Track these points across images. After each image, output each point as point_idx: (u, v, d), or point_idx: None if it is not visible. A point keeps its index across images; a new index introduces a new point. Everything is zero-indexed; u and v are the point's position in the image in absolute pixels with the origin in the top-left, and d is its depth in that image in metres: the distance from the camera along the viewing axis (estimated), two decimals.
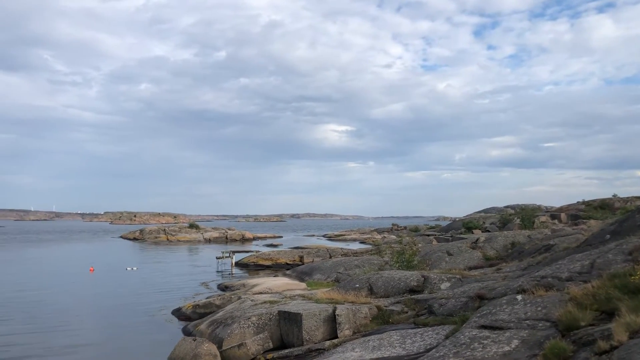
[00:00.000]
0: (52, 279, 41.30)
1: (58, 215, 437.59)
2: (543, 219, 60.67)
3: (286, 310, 17.67)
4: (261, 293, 25.97)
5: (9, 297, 32.08)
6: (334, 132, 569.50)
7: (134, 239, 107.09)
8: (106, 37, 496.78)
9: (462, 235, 54.46)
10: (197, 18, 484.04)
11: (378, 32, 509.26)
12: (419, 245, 37.45)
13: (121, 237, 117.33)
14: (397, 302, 18.44)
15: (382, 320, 16.76)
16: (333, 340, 15.67)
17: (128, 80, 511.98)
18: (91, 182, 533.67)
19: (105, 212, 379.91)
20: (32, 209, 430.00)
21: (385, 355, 12.55)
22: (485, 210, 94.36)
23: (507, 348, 9.79)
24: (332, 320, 16.49)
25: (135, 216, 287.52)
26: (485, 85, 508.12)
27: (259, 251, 56.48)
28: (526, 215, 61.29)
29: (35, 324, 24.33)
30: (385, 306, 17.96)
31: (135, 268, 48.47)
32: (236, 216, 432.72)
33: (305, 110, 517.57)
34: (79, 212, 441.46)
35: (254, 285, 30.33)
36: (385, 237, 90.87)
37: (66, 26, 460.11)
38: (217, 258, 51.06)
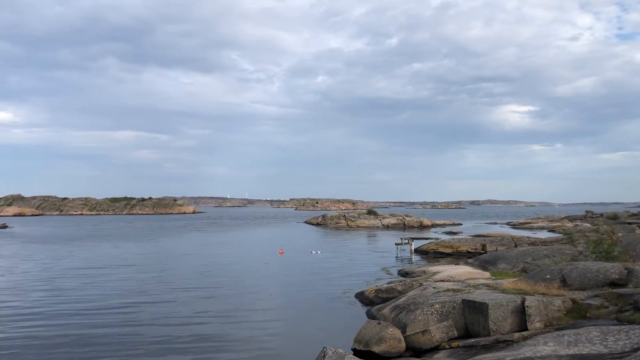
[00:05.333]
0: (248, 260, 45.22)
1: (250, 202, 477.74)
2: None
3: (471, 299, 17.21)
4: (443, 281, 25.62)
5: (213, 275, 35.89)
6: (514, 113, 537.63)
7: (317, 224, 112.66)
8: (284, 35, 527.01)
9: None
10: (368, 7, 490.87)
11: (562, 3, 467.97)
12: (619, 234, 33.82)
13: (305, 222, 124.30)
14: (595, 296, 16.91)
15: (578, 315, 15.54)
16: (523, 333, 14.91)
17: (306, 73, 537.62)
18: (277, 171, 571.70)
19: (290, 199, 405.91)
20: (229, 197, 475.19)
21: (584, 352, 11.59)
22: None
23: None
24: (521, 312, 15.68)
25: (317, 203, 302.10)
26: None
27: (438, 238, 55.75)
28: None
29: (232, 301, 26.85)
30: (581, 299, 16.59)
31: (319, 252, 51.02)
32: (413, 203, 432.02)
33: (481, 91, 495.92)
34: (268, 199, 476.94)
35: (435, 273, 30.03)
36: (577, 225, 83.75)
37: (249, 27, 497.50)
38: (396, 244, 51.52)
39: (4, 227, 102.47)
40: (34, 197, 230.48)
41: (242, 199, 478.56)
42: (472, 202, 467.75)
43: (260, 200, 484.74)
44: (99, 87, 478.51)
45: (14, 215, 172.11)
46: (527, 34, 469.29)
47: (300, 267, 39.96)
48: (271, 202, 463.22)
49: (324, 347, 14.44)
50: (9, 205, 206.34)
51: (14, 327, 20.76)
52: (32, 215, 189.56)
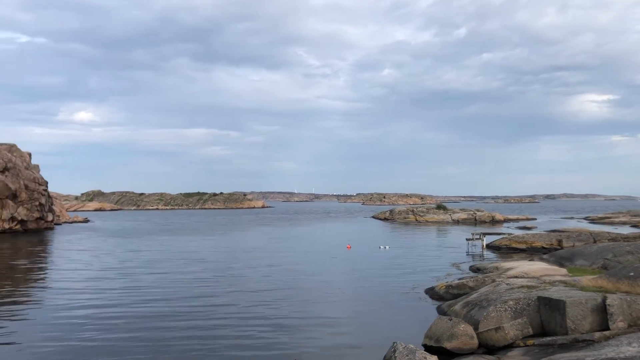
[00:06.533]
0: (316, 255, 45.62)
1: (317, 196, 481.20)
2: None
3: (546, 296, 16.62)
4: (516, 277, 24.87)
5: (284, 269, 36.49)
6: (592, 103, 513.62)
7: (385, 219, 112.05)
8: (350, 28, 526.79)
9: None
10: None
11: None
12: None
13: (372, 217, 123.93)
14: None
15: None
16: (604, 332, 14.26)
17: (372, 67, 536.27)
18: (344, 166, 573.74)
19: (357, 194, 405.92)
20: (296, 192, 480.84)
21: None
22: None
23: None
24: (602, 311, 14.99)
25: (384, 197, 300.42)
26: None
27: (511, 234, 54.10)
28: None
29: (303, 295, 27.18)
30: None
31: (387, 247, 50.74)
32: (484, 197, 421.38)
33: (556, 81, 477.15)
34: (335, 193, 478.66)
35: (508, 269, 29.19)
36: None
37: (315, 22, 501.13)
38: (467, 240, 50.51)
39: (86, 221, 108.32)
40: (113, 193, 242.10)
41: (309, 194, 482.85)
42: (547, 196, 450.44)
43: (327, 195, 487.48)
44: (172, 86, 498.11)
45: (95, 210, 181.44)
46: (605, 19, 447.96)
47: (368, 262, 39.89)
48: (338, 197, 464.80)
49: (394, 343, 14.39)
50: (91, 200, 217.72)
51: (94, 320, 21.94)
52: (111, 210, 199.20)
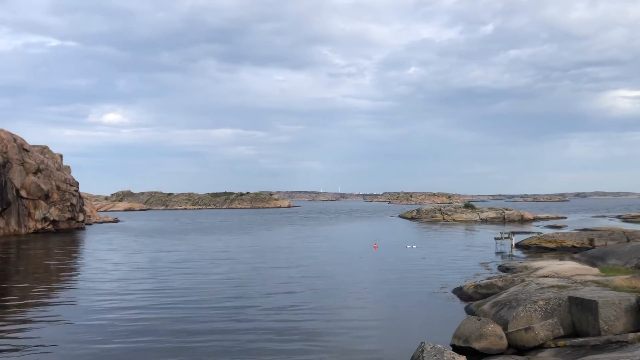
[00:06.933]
0: (342, 254, 45.57)
1: (343, 196, 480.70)
2: None
3: (578, 296, 16.32)
4: (546, 277, 24.43)
5: (310, 268, 36.55)
6: (624, 99, 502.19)
7: (412, 218, 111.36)
8: (375, 27, 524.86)
9: None
10: None
11: None
12: None
13: (399, 216, 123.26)
14: None
15: None
16: (638, 333, 13.93)
17: (397, 65, 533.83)
18: (370, 165, 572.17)
19: (383, 193, 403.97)
20: (322, 191, 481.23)
21: None
22: None
23: None
24: (636, 311, 14.66)
25: (411, 196, 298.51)
26: None
27: (540, 233, 53.21)
28: None
29: (329, 295, 27.17)
30: None
31: (415, 246, 50.40)
32: (512, 196, 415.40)
33: (586, 77, 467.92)
34: (361, 193, 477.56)
35: (537, 268, 28.69)
36: None
37: (340, 22, 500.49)
38: (495, 239, 49.86)
39: (116, 221, 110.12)
40: (142, 193, 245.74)
41: (335, 193, 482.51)
42: (577, 194, 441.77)
43: (353, 194, 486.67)
44: (198, 87, 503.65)
45: (125, 210, 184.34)
46: (637, 13, 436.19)
47: (395, 262, 39.68)
48: (364, 196, 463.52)
49: (422, 342, 14.27)
50: (120, 200, 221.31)
51: (124, 322, 22.28)
52: (141, 210, 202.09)
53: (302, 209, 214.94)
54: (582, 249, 42.25)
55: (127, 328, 20.05)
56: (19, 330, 20.00)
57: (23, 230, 70.80)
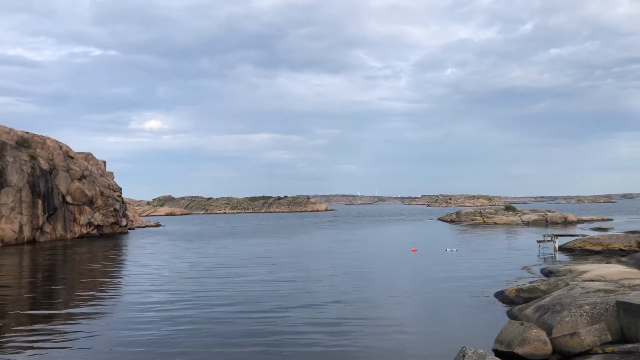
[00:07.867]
0: (381, 257, 45.30)
1: (380, 199, 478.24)
2: None
3: (626, 300, 15.79)
4: (592, 280, 23.75)
5: (348, 272, 36.48)
6: None
7: (451, 221, 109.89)
8: (411, 29, 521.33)
9: None
10: None
11: None
12: None
13: (438, 219, 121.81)
14: None
15: None
16: None
17: (434, 67, 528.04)
18: (407, 168, 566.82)
19: (422, 196, 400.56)
20: (359, 194, 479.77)
21: None
22: None
23: None
24: None
25: (450, 199, 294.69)
26: None
27: (585, 235, 51.78)
28: None
29: (368, 298, 27.04)
30: None
31: (454, 250, 49.72)
32: (555, 197, 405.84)
33: (632, 74, 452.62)
34: (399, 195, 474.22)
35: (582, 272, 27.91)
36: None
37: (376, 24, 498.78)
38: (538, 242, 48.80)
39: (158, 225, 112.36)
40: (183, 198, 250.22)
41: (372, 197, 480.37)
42: (624, 196, 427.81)
43: (390, 197, 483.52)
44: (236, 93, 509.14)
45: (166, 215, 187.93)
46: None
47: (435, 265, 39.22)
48: (402, 199, 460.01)
49: (463, 347, 14.05)
50: (162, 205, 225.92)
51: (166, 325, 22.66)
52: (181, 214, 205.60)
53: (340, 212, 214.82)
54: (630, 252, 40.87)
55: (169, 333, 20.38)
56: (66, 332, 20.57)
57: (69, 235, 72.97)
